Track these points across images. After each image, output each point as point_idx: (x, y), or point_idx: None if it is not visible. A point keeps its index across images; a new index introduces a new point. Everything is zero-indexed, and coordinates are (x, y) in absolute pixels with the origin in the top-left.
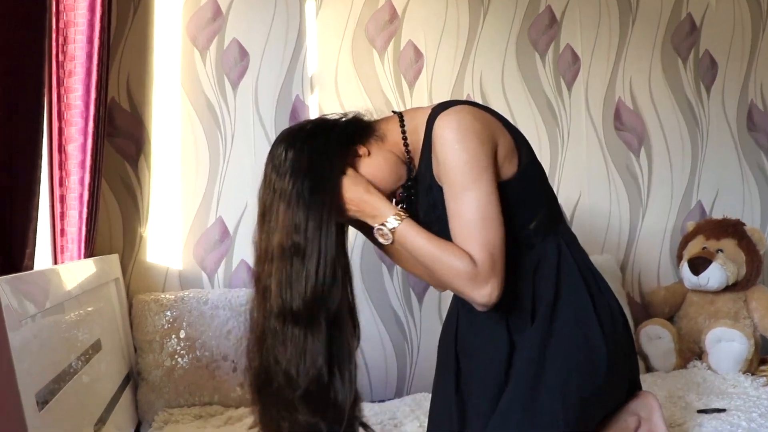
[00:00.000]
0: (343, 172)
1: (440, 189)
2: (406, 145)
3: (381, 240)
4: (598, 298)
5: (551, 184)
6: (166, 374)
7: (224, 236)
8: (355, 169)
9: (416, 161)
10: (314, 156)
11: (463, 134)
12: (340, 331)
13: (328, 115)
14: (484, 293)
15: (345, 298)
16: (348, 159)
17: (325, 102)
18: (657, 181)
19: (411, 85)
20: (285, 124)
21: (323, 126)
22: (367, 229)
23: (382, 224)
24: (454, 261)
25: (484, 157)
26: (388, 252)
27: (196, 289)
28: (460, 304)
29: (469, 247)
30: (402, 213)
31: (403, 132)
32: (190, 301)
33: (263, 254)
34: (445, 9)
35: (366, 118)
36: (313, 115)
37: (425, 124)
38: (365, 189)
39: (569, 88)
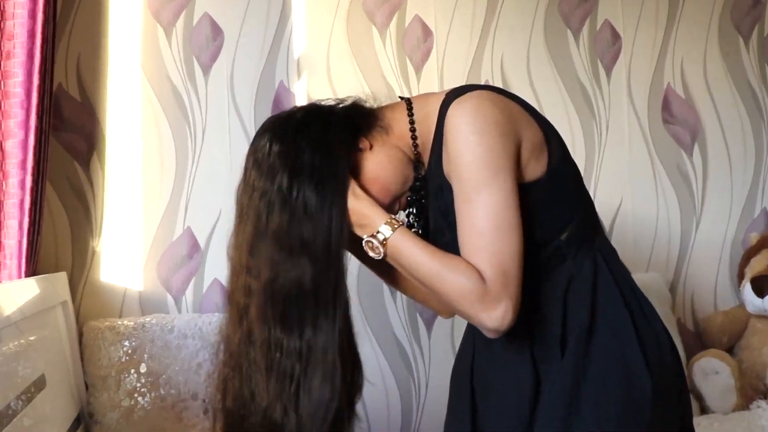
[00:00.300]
0: (350, 168)
1: (452, 190)
2: (414, 137)
3: (371, 254)
4: (641, 324)
5: (587, 186)
6: (123, 416)
7: (194, 251)
8: (355, 166)
9: (426, 158)
10: (311, 147)
11: (480, 124)
12: (342, 366)
13: (321, 101)
14: (494, 316)
15: (348, 325)
16: (353, 152)
17: (314, 89)
18: (714, 184)
19: (418, 70)
20: (267, 116)
21: (317, 113)
22: (354, 242)
23: (372, 235)
24: (458, 277)
25: (503, 153)
26: (383, 272)
27: (160, 315)
28: (476, 330)
29: (478, 259)
30: (396, 221)
31: (412, 122)
32: (153, 329)
33: (240, 265)
34: None
35: (367, 105)
36: (301, 104)
37: (437, 113)
38: (351, 191)
39: (608, 72)
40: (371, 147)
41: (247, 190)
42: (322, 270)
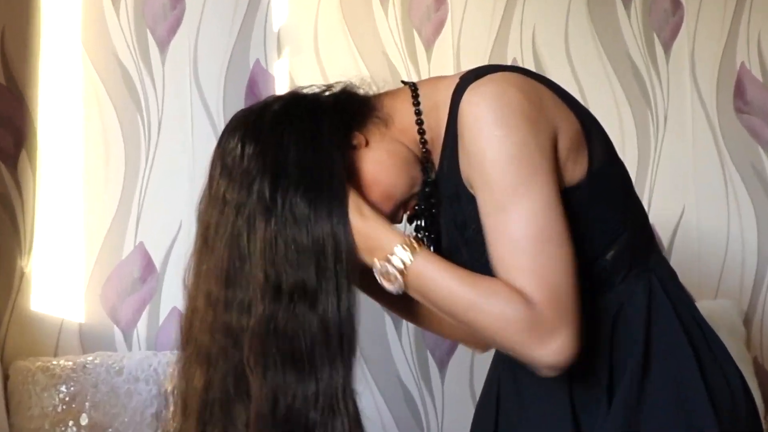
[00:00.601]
0: (346, 171)
1: (472, 198)
2: (421, 132)
3: (387, 286)
4: (708, 364)
5: (638, 193)
6: None
7: (147, 272)
8: (348, 167)
9: (436, 157)
10: (296, 145)
11: (504, 114)
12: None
13: (303, 88)
14: (551, 350)
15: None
16: (347, 149)
17: (299, 70)
18: None
19: (428, 46)
20: (239, 105)
21: (300, 104)
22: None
23: (386, 260)
24: (499, 305)
25: (537, 149)
26: (393, 303)
27: (106, 353)
28: (502, 369)
29: (522, 281)
30: (414, 241)
31: (418, 112)
32: (97, 371)
33: (207, 297)
34: None
35: (361, 92)
36: (282, 89)
37: (450, 101)
38: (353, 205)
39: (666, 49)
40: (367, 143)
41: (214, 204)
42: (330, 295)
